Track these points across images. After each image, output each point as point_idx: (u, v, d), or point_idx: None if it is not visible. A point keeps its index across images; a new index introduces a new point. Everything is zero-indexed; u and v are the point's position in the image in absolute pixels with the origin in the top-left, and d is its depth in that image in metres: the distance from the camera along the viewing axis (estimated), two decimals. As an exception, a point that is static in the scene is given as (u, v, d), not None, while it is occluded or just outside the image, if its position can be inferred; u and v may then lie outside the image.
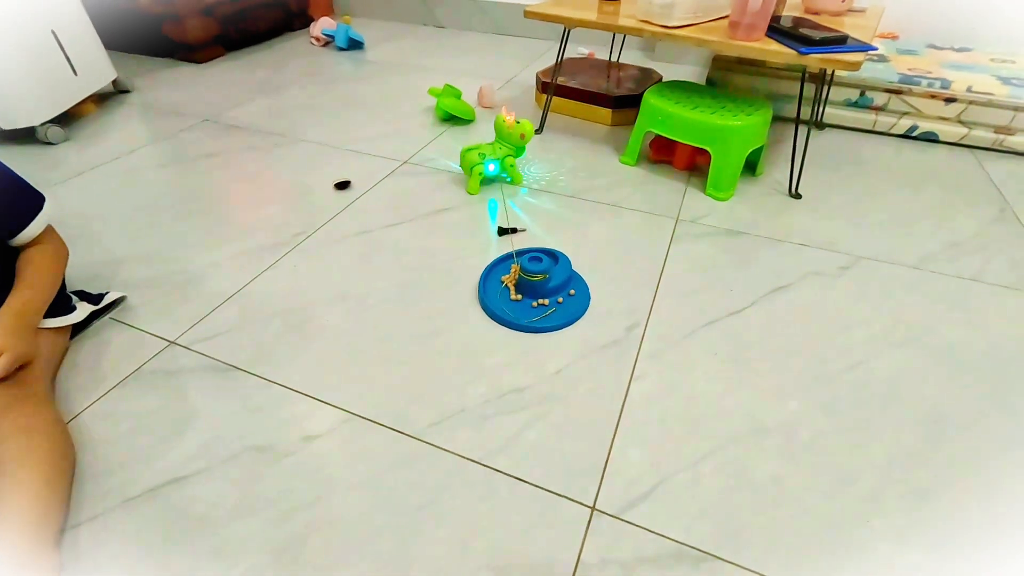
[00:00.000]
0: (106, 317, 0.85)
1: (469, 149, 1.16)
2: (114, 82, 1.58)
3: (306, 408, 0.71)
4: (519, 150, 1.17)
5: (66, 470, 0.61)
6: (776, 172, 1.26)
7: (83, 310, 0.80)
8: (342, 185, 1.18)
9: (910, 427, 0.69)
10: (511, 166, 1.17)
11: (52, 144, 1.33)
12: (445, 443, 0.67)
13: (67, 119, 1.42)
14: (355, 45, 2.02)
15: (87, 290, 0.84)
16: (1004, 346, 0.81)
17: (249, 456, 0.65)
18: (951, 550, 0.57)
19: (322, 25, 2.04)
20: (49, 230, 0.80)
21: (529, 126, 1.13)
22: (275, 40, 2.11)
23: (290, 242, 1.01)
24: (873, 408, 0.72)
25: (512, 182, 1.20)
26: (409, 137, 1.39)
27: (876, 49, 1.03)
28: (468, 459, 0.65)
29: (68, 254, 0.82)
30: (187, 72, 1.79)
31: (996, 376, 0.77)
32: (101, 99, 1.57)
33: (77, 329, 0.81)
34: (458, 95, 1.47)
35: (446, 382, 0.75)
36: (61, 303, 0.78)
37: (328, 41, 2.05)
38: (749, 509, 0.61)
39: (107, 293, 0.84)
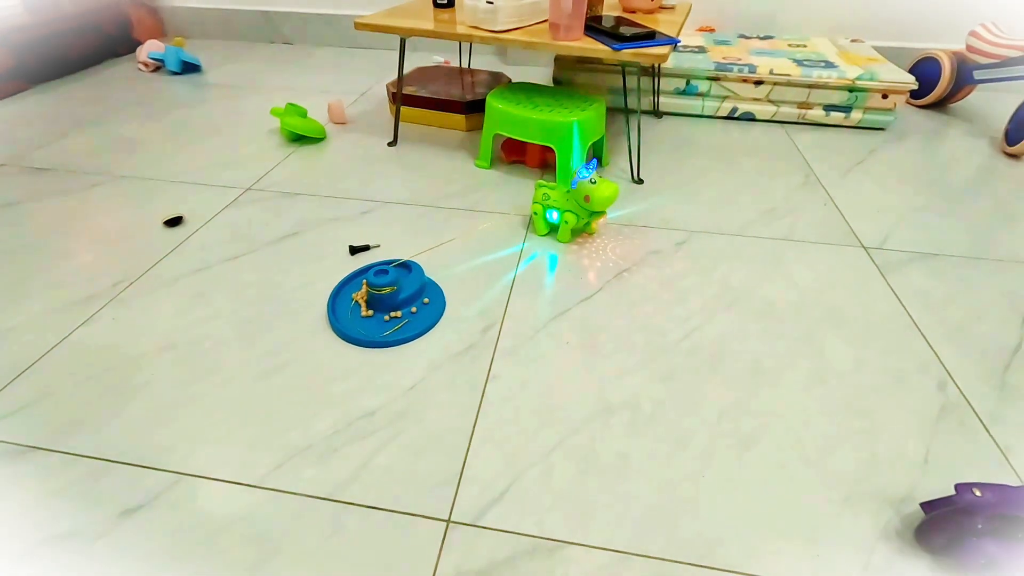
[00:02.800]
0: None
1: (543, 185, 1.02)
2: None
3: (125, 478, 0.63)
4: (586, 213, 1.00)
5: None
6: (621, 161, 1.34)
7: None
8: (173, 222, 1.07)
9: (734, 382, 0.76)
10: (565, 222, 1.01)
11: None
12: (288, 486, 0.62)
13: None
14: (191, 68, 1.87)
15: None
16: (809, 294, 0.92)
17: (48, 550, 0.56)
18: (773, 489, 0.63)
19: (149, 49, 1.86)
20: None
21: (605, 193, 0.95)
22: (94, 68, 1.89)
23: (108, 292, 0.90)
24: (705, 371, 0.78)
25: (557, 238, 1.04)
26: (253, 162, 1.30)
27: (679, 42, 1.12)
28: (314, 497, 0.61)
29: None
30: (-21, 112, 1.54)
31: (804, 323, 0.86)
32: None
33: None
34: (303, 113, 1.41)
35: (290, 419, 0.70)
36: None
37: (158, 66, 1.87)
38: (597, 490, 0.63)
39: None
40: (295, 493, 0.62)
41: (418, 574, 0.55)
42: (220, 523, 0.59)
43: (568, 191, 1.01)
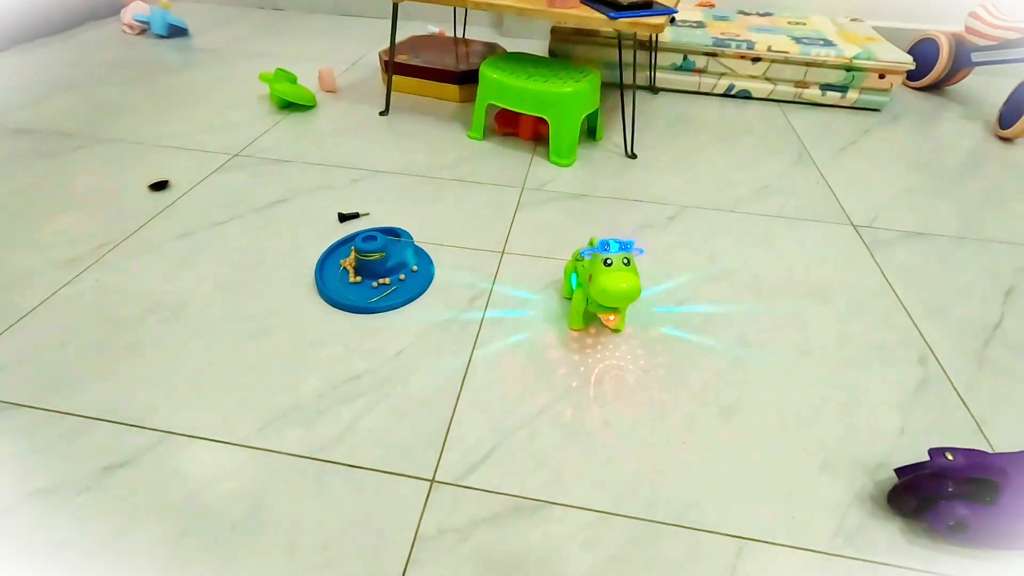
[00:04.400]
0: None
1: (580, 258, 0.78)
2: None
3: (108, 436, 0.63)
4: (594, 301, 0.74)
5: None
6: (615, 136, 1.32)
7: None
8: (158, 186, 1.05)
9: (720, 354, 0.77)
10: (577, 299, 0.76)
11: None
12: (273, 445, 0.63)
13: None
14: (178, 32, 1.81)
15: None
16: (796, 270, 0.93)
17: (32, 503, 0.56)
18: (752, 456, 0.64)
19: (134, 10, 1.80)
20: None
21: (610, 284, 0.68)
22: (75, 30, 1.83)
23: (92, 254, 0.89)
24: (690, 343, 0.78)
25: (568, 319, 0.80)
26: (241, 128, 1.28)
27: (676, 12, 1.10)
28: (298, 456, 0.62)
29: None
30: (-43, 71, 1.50)
31: (791, 298, 0.87)
32: None
33: None
34: (293, 79, 1.38)
35: (276, 381, 0.70)
36: None
37: (144, 29, 1.82)
38: (580, 454, 0.64)
39: None
40: (280, 452, 0.62)
41: (401, 531, 0.56)
42: (203, 480, 0.59)
43: (580, 260, 0.77)
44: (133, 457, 0.61)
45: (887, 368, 0.76)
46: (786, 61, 1.46)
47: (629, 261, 0.69)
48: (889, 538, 0.57)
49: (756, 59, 1.47)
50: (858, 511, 0.59)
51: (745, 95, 1.54)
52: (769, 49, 1.45)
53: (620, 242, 0.71)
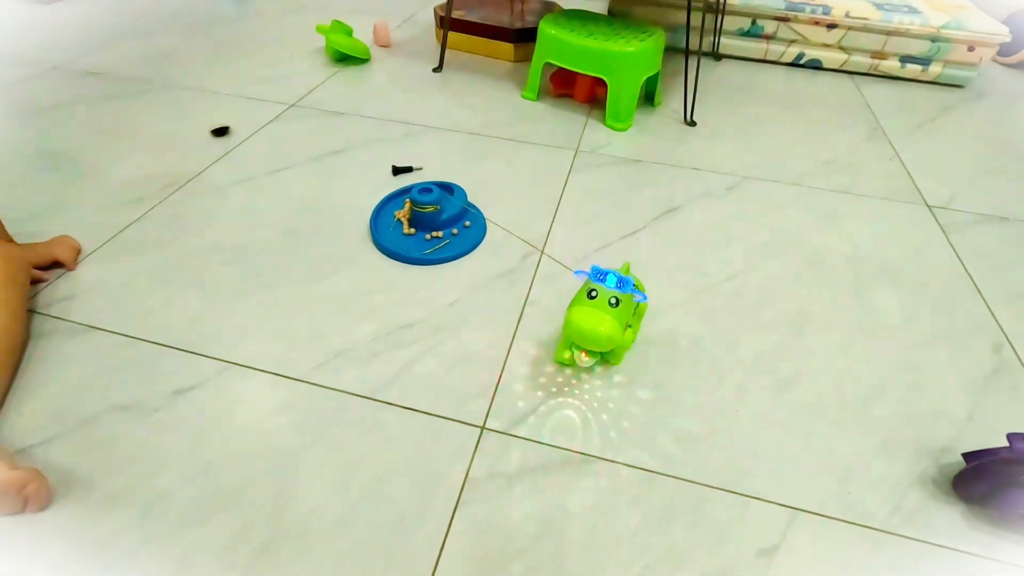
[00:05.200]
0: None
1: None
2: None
3: (176, 362, 0.66)
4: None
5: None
6: (674, 102, 1.27)
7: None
8: (220, 131, 1.08)
9: (778, 327, 0.74)
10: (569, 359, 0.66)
11: None
12: (330, 383, 0.65)
13: None
14: (236, -18, 1.82)
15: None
16: (864, 248, 0.88)
17: (110, 417, 0.60)
18: (808, 429, 0.63)
19: (194, -41, 1.81)
20: None
21: (579, 321, 0.59)
22: (140, -22, 1.86)
23: (159, 194, 0.92)
24: (747, 313, 0.76)
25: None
26: (298, 79, 1.28)
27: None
28: (354, 395, 0.64)
29: None
30: (28, 12, 1.55)
31: (856, 276, 0.83)
32: (-80, 46, 1.34)
33: None
34: (349, 32, 1.37)
35: (333, 324, 0.72)
36: None
37: (204, -22, 1.83)
38: (630, 413, 0.63)
39: None
40: (336, 389, 0.64)
41: (452, 472, 0.57)
42: (265, 409, 0.62)
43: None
44: (200, 383, 0.64)
45: (957, 354, 0.72)
46: (864, 29, 1.36)
47: (618, 301, 0.58)
48: (950, 521, 0.55)
49: (832, 26, 1.38)
50: (918, 492, 0.57)
51: (815, 65, 1.45)
52: (847, 15, 1.35)
53: (619, 277, 0.60)
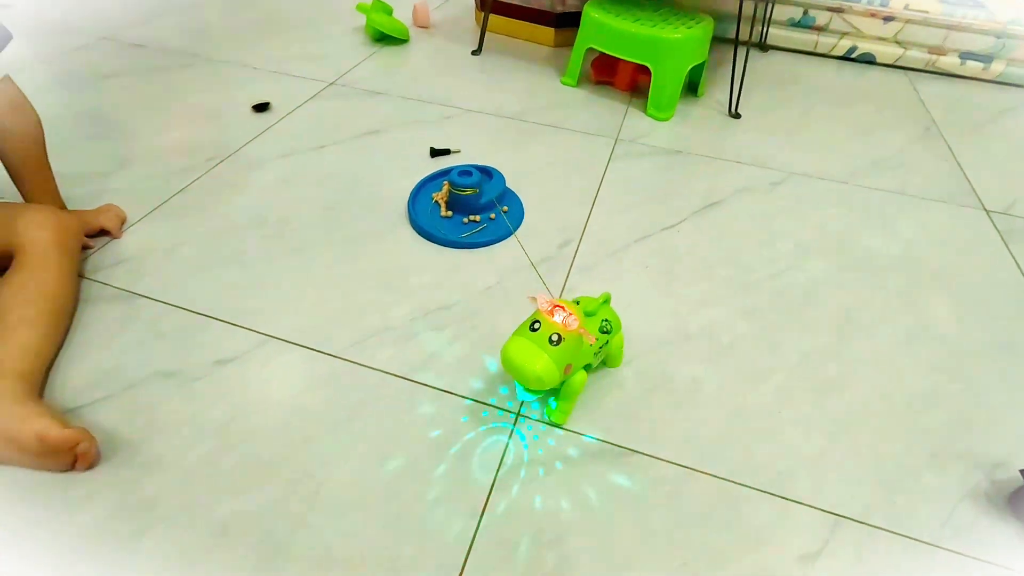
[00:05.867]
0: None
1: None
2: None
3: (218, 333, 0.67)
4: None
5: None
6: (718, 93, 1.24)
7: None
8: (261, 107, 1.08)
9: (823, 328, 0.72)
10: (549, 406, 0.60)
11: (-83, 64, 1.16)
12: (367, 361, 0.65)
13: (-67, 35, 1.23)
14: (277, -41, 1.82)
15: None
16: (916, 251, 0.85)
17: (155, 383, 0.61)
18: (853, 435, 0.61)
19: (238, -65, 1.82)
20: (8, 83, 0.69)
21: (507, 351, 0.53)
22: (184, -48, 1.87)
23: (202, 166, 0.93)
24: (792, 312, 0.74)
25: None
26: (337, 58, 1.28)
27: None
28: (390, 374, 0.64)
29: (39, 121, 0.72)
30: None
31: (907, 279, 0.80)
32: (-24, 14, 1.37)
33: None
34: (389, 11, 1.36)
35: (370, 303, 0.72)
36: None
37: (246, -46, 1.83)
38: (668, 407, 0.62)
39: None
40: (373, 368, 0.64)
41: (486, 456, 0.57)
42: (303, 383, 0.62)
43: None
44: (240, 354, 0.65)
45: (1015, 367, 0.69)
46: (924, 22, 1.30)
47: (560, 339, 0.51)
48: (1005, 539, 0.53)
49: (888, 18, 1.32)
50: (970, 507, 0.55)
51: (867, 59, 1.39)
52: (906, 7, 1.29)
53: (564, 317, 0.51)
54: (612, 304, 0.61)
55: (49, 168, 0.75)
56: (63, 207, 0.76)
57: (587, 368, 0.58)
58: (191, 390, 0.61)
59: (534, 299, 0.52)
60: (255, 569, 0.48)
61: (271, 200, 0.87)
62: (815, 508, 0.54)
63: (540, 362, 0.50)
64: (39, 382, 0.58)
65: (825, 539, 0.52)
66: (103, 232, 0.78)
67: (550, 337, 0.50)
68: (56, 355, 0.62)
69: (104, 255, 0.76)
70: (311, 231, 0.82)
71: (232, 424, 0.58)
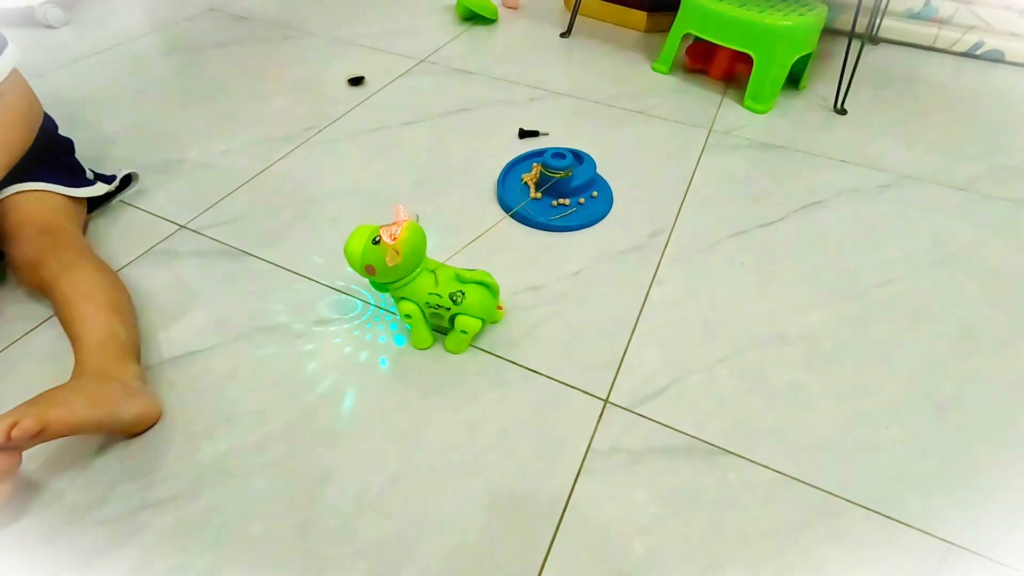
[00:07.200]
0: (118, 199, 0.83)
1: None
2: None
3: (315, 294, 0.70)
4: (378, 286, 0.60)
5: (124, 300, 0.63)
6: (821, 87, 1.16)
7: (100, 187, 0.77)
8: (356, 81, 1.11)
9: (939, 344, 0.67)
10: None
11: (52, 28, 1.26)
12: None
13: (66, 1, 1.34)
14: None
15: (96, 171, 0.82)
16: (1049, 271, 0.77)
17: (260, 336, 0.65)
18: (968, 460, 0.56)
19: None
20: (15, 78, 0.68)
21: (348, 244, 0.58)
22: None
23: (301, 135, 0.97)
24: (902, 324, 0.69)
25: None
26: (427, 35, 1.30)
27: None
28: (479, 350, 0.64)
29: (39, 109, 0.71)
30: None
31: (1036, 299, 0.73)
32: (101, -17, 1.48)
33: (91, 206, 0.79)
34: (480, -10, 1.36)
35: (460, 277, 0.73)
36: (78, 171, 0.76)
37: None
38: (763, 410, 0.60)
39: (117, 174, 0.81)
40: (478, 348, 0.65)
41: (574, 438, 0.57)
42: (397, 351, 0.64)
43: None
44: (339, 318, 0.67)
45: None
46: (1069, 17, 1.17)
47: (379, 240, 0.56)
48: None
49: (1026, 12, 1.19)
50: (1109, 553, 0.50)
51: (995, 57, 1.27)
52: (1049, 0, 1.16)
53: (398, 228, 0.55)
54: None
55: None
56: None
57: (428, 320, 0.62)
58: (292, 348, 0.64)
59: (400, 208, 0.57)
60: (350, 516, 0.50)
61: (364, 171, 0.90)
62: (924, 532, 0.51)
63: (350, 243, 0.57)
64: None
65: (936, 567, 0.49)
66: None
67: (373, 238, 0.56)
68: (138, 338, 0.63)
69: (216, 213, 0.81)
70: (401, 202, 0.83)
71: (328, 382, 0.60)
